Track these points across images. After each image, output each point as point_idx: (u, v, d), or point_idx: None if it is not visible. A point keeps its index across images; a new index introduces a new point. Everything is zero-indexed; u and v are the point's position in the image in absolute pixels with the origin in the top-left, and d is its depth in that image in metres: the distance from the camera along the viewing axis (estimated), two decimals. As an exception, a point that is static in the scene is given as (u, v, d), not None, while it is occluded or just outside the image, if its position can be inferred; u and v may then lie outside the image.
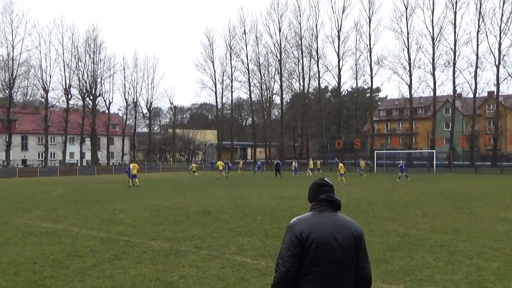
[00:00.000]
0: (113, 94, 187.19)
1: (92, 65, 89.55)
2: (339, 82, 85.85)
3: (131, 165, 38.36)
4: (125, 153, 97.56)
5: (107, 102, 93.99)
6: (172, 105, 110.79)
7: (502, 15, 71.48)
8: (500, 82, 70.79)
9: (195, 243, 12.58)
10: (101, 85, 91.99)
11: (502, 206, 20.98)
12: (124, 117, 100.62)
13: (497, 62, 69.98)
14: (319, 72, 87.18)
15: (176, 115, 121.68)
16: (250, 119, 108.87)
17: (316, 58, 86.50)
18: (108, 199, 26.20)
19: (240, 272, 9.41)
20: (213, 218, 17.68)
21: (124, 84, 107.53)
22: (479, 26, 71.86)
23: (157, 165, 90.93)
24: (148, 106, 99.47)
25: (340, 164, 41.37)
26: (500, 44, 69.70)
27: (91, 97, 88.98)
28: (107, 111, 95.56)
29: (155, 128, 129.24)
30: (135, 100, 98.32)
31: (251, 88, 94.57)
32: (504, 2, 71.20)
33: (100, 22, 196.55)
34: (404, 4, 77.01)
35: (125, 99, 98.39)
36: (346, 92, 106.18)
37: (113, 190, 33.63)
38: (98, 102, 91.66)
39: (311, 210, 3.88)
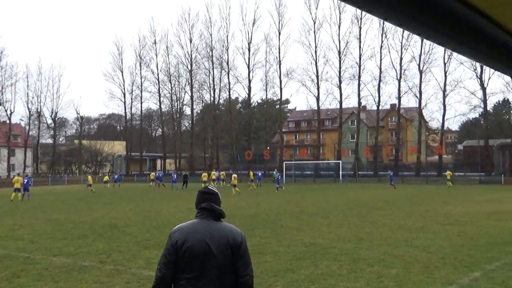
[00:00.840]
0: (15, 104, 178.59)
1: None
2: (249, 94, 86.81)
3: (14, 178, 36.41)
4: (27, 165, 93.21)
5: (8, 112, 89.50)
6: (78, 115, 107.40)
7: (403, 32, 75.21)
8: (401, 95, 74.32)
9: (100, 258, 12.22)
10: (1, 94, 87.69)
11: (402, 214, 21.96)
12: (27, 127, 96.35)
13: (398, 76, 73.47)
14: (229, 83, 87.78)
15: (83, 125, 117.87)
16: (160, 130, 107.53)
17: (226, 70, 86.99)
18: (7, 214, 24.90)
19: (147, 287, 9.24)
20: (119, 231, 17.26)
21: (27, 93, 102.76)
22: (382, 42, 75.24)
23: (62, 177, 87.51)
24: (53, 116, 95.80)
25: (234, 175, 41.66)
26: (401, 59, 73.23)
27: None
28: (8, 121, 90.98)
29: (61, 139, 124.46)
30: (39, 110, 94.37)
31: (161, 98, 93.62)
32: (404, 19, 74.51)
33: (1, 29, 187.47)
34: (313, 18, 79.16)
35: (28, 108, 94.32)
36: (256, 104, 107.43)
37: (13, 204, 32.01)
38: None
39: (195, 217, 3.99)
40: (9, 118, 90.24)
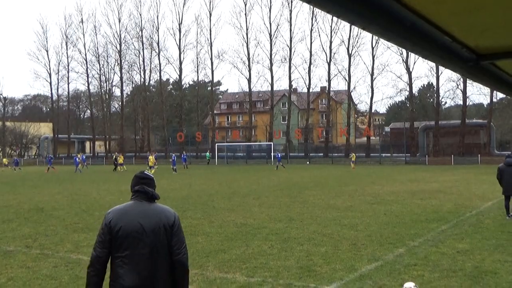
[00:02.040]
0: None
1: None
2: (180, 75, 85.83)
3: None
4: None
5: None
6: (1, 96, 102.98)
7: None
8: (331, 78, 75.55)
9: (25, 242, 11.86)
10: None
11: (332, 194, 22.49)
12: None
13: (328, 60, 74.60)
14: (160, 64, 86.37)
15: (6, 106, 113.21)
16: (89, 111, 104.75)
17: (157, 50, 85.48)
18: None
19: (75, 270, 9.06)
20: (46, 215, 16.79)
21: None
22: (312, 25, 76.10)
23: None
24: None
25: (150, 157, 41.68)
26: (331, 42, 74.29)
27: None
28: None
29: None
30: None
31: (90, 79, 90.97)
32: (334, 3, 75.62)
33: None
34: (243, 0, 79.04)
35: None
36: (188, 85, 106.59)
37: None
38: None
39: (130, 200, 4.20)
40: None
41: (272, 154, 66.25)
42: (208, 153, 69.41)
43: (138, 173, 4.32)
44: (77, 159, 53.00)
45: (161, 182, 32.02)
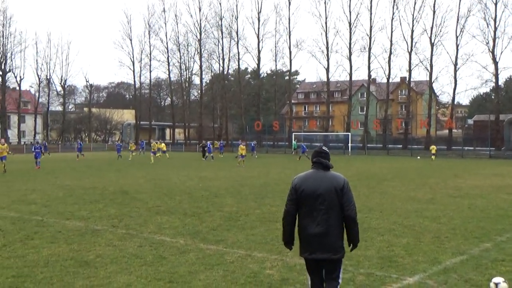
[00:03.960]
0: (24, 70, 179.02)
1: (2, 38, 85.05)
2: (258, 64, 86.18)
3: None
4: (38, 132, 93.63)
5: (18, 78, 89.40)
6: (88, 83, 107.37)
7: (415, 3, 74.02)
8: (411, 68, 73.45)
9: (112, 223, 12.34)
10: (11, 60, 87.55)
11: (412, 186, 21.95)
12: (37, 94, 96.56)
13: (409, 49, 72.57)
14: (238, 53, 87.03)
15: (92, 93, 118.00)
16: (169, 99, 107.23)
17: (236, 39, 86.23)
18: (19, 179, 25.14)
19: (159, 251, 9.34)
20: (130, 197, 17.40)
21: (37, 60, 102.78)
22: (393, 13, 74.07)
23: (72, 144, 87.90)
24: (62, 84, 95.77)
25: (241, 146, 39.25)
26: (412, 31, 72.25)
27: (1, 73, 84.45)
28: (18, 88, 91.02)
29: (70, 107, 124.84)
30: (48, 77, 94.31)
31: (170, 67, 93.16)
32: (417, -9, 73.90)
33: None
34: (323, -12, 78.09)
35: (38, 75, 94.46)
36: (266, 74, 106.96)
37: (25, 170, 32.28)
38: (8, 78, 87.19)
39: (311, 168, 5.53)
40: (19, 85, 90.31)
41: (349, 144, 65.47)
42: (295, 142, 68.50)
43: (317, 148, 5.64)
44: (120, 145, 52.20)
45: (238, 170, 32.43)
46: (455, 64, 69.41)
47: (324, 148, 5.62)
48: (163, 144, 54.98)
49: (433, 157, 49.03)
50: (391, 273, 7.92)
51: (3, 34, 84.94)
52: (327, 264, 5.42)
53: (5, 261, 8.60)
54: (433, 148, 51.42)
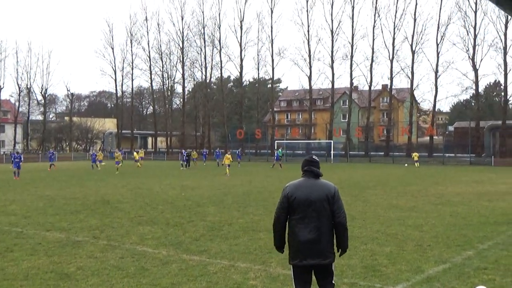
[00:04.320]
0: (4, 80, 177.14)
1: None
2: (241, 72, 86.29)
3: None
4: (18, 142, 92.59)
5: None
6: (69, 92, 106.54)
7: (396, 11, 75.12)
8: (393, 76, 74.11)
9: (93, 234, 12.19)
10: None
11: (394, 194, 22.05)
12: (17, 103, 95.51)
13: (390, 57, 73.21)
14: (221, 61, 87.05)
15: (74, 102, 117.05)
16: (151, 107, 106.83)
17: (218, 48, 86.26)
18: (-2, 189, 24.80)
19: (141, 262, 9.24)
20: (112, 207, 17.23)
21: (17, 69, 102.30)
22: (375, 21, 74.66)
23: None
24: (43, 93, 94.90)
25: (227, 155, 38.59)
26: (394, 39, 72.86)
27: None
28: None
29: (51, 116, 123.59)
30: (28, 86, 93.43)
31: (153, 76, 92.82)
32: (398, -1, 74.65)
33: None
34: (305, -3, 78.43)
35: (18, 84, 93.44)
36: (248, 83, 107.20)
37: (4, 180, 31.86)
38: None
39: (301, 177, 5.69)
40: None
41: (331, 151, 65.69)
42: (280, 150, 68.16)
43: (307, 157, 5.83)
44: (95, 155, 50.66)
45: (219, 178, 32.33)
46: (436, 72, 70.23)
47: (314, 157, 5.83)
48: (136, 153, 54.56)
49: (417, 163, 50.35)
50: (374, 282, 7.90)
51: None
52: (318, 270, 5.55)
53: (-16, 274, 8.43)
54: (416, 155, 52.76)
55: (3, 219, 14.59)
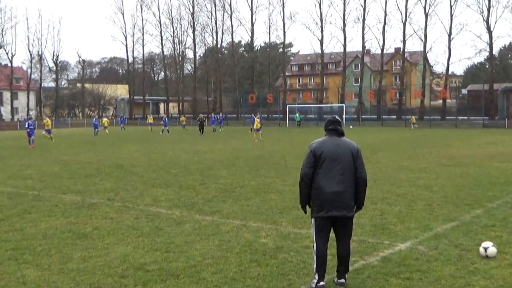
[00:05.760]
0: (16, 46, 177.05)
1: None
2: (252, 37, 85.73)
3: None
4: (31, 109, 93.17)
5: (10, 55, 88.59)
6: (80, 59, 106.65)
7: (409, -28, 73.78)
8: (406, 38, 73.27)
9: (108, 196, 12.45)
10: (2, 37, 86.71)
11: (405, 156, 22.12)
12: (29, 70, 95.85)
13: (403, 19, 72.30)
14: (232, 26, 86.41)
15: (85, 69, 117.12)
16: (163, 73, 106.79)
17: (229, 12, 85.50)
18: (14, 155, 25.19)
19: (155, 222, 9.47)
20: (126, 171, 17.50)
21: (28, 36, 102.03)
22: (387, -18, 73.51)
23: (66, 120, 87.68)
24: (54, 60, 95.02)
25: (256, 119, 37.61)
26: (407, 1, 71.81)
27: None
28: (9, 64, 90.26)
29: (63, 83, 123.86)
30: (40, 53, 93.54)
31: (163, 42, 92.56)
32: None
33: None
34: (317, -41, 77.25)
35: (29, 51, 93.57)
36: (259, 47, 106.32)
37: (19, 146, 32.27)
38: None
39: (325, 135, 6.09)
40: (11, 61, 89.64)
41: (343, 115, 65.60)
42: (297, 114, 67.78)
43: (330, 117, 6.24)
44: (95, 120, 50.70)
45: (232, 142, 32.54)
46: (449, 34, 69.33)
47: (336, 117, 6.24)
48: (105, 119, 55.04)
49: (412, 126, 54.35)
50: (383, 239, 8.08)
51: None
52: (342, 223, 5.91)
53: (4, 234, 8.71)
54: (413, 118, 56.61)
55: (20, 183, 14.91)
